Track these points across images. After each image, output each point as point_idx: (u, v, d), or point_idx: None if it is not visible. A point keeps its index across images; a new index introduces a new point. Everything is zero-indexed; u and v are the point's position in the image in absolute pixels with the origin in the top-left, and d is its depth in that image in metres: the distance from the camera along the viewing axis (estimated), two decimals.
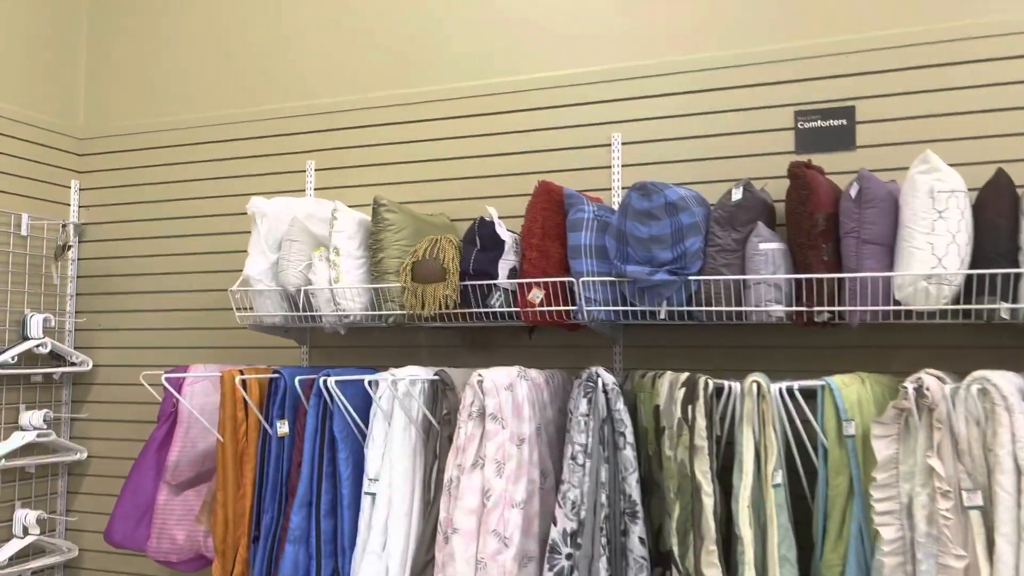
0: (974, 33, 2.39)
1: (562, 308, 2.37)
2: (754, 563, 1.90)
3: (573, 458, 2.07)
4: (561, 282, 2.37)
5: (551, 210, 2.40)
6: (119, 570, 3.39)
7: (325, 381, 2.34)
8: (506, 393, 2.16)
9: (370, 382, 2.32)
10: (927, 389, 1.84)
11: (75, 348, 3.51)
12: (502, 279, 2.44)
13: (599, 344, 2.73)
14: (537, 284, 2.38)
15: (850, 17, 2.52)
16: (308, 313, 2.68)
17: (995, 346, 2.32)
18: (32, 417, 3.21)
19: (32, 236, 3.37)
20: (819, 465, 2.01)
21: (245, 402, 2.53)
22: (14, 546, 3.16)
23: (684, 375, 2.08)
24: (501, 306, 2.45)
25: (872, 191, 2.05)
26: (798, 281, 2.18)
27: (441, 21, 3.04)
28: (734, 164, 2.61)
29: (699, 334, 2.62)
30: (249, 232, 3.25)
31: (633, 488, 2.06)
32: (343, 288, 2.58)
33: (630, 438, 2.09)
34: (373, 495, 2.26)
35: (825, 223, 2.12)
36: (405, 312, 2.53)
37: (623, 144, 2.74)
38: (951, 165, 2.11)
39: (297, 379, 2.46)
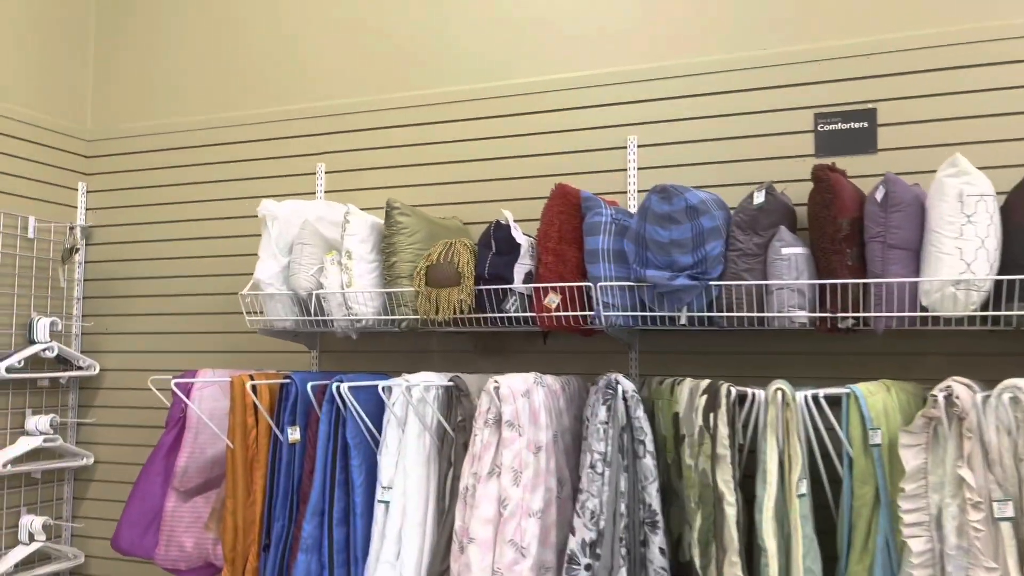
0: (999, 35, 2.35)
1: (579, 313, 2.32)
2: (778, 575, 1.86)
3: (592, 467, 2.03)
4: (578, 287, 2.33)
5: (568, 213, 2.36)
6: None
7: (339, 387, 2.30)
8: (523, 400, 2.12)
9: (384, 388, 2.28)
10: (957, 397, 1.80)
11: (82, 352, 3.48)
12: (518, 284, 2.40)
13: (614, 349, 2.69)
14: (554, 289, 2.34)
15: (871, 18, 2.48)
16: (320, 317, 2.64)
17: (1019, 353, 2.28)
18: (38, 422, 3.17)
19: (39, 239, 3.34)
20: (844, 475, 1.97)
21: (256, 408, 2.49)
22: (20, 552, 3.13)
23: (705, 382, 2.03)
24: (517, 311, 2.41)
25: (899, 195, 2.01)
26: (822, 286, 2.13)
27: (454, 22, 3.00)
28: (752, 167, 2.57)
29: (716, 340, 2.57)
30: (257, 235, 3.22)
31: (653, 497, 2.02)
32: (356, 292, 2.54)
33: (650, 446, 2.04)
34: (387, 503, 2.22)
35: (849, 227, 2.07)
36: (419, 317, 2.49)
37: (639, 147, 2.70)
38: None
39: (309, 385, 2.42)
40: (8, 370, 3.07)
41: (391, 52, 3.09)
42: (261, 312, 2.76)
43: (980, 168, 2.29)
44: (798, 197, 2.46)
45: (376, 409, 2.36)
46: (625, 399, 2.07)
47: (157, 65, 3.49)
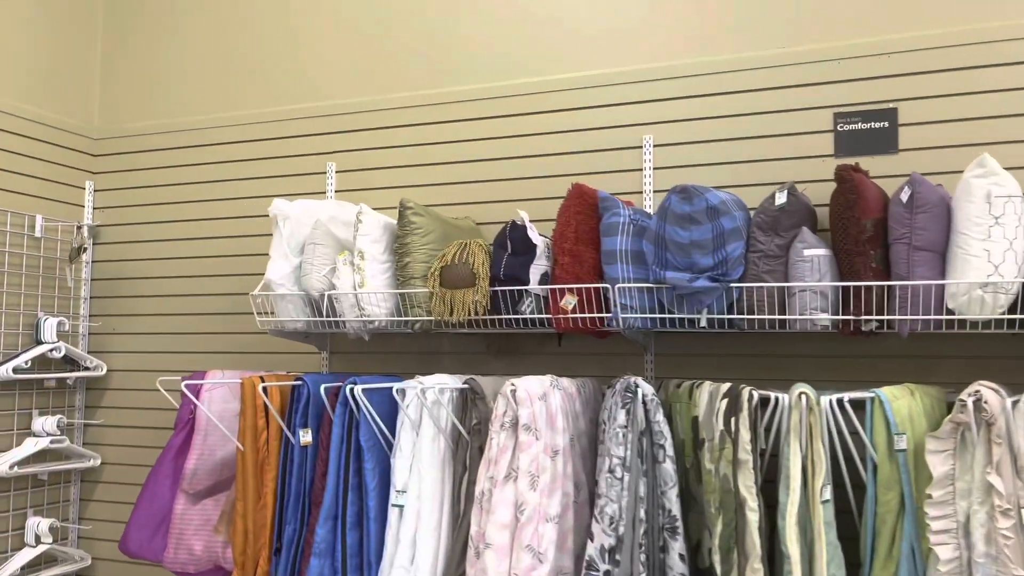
0: (1022, 34, 2.31)
1: (596, 315, 2.29)
2: None
3: (611, 471, 1.99)
4: (595, 288, 2.30)
5: (585, 214, 2.32)
6: None
7: (352, 389, 2.27)
8: (540, 403, 2.09)
9: (398, 390, 2.25)
10: (985, 402, 1.77)
11: (89, 352, 3.44)
12: (534, 285, 2.36)
13: (629, 352, 2.65)
14: (570, 290, 2.30)
15: (891, 16, 2.45)
16: (332, 319, 2.61)
17: None
18: (45, 423, 3.14)
19: (46, 238, 3.31)
20: (868, 480, 1.93)
21: (266, 410, 2.46)
22: (26, 555, 3.09)
23: (725, 385, 2.00)
24: (532, 312, 2.38)
25: (924, 196, 1.97)
26: (844, 289, 2.10)
27: (467, 19, 2.97)
28: (770, 167, 2.53)
29: (733, 342, 2.54)
30: (266, 235, 3.19)
31: (673, 503, 1.99)
32: (368, 293, 2.51)
33: (670, 451, 2.01)
34: (401, 507, 2.19)
35: (873, 229, 2.04)
36: (432, 318, 2.46)
37: (655, 146, 2.66)
38: None
39: (323, 387, 2.38)
40: (15, 370, 3.04)
41: (403, 50, 3.06)
42: (272, 313, 2.73)
43: (1007, 169, 2.26)
44: (817, 198, 2.43)
45: (389, 411, 2.33)
46: (645, 403, 2.03)
47: (165, 63, 3.46)
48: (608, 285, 2.27)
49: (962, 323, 2.06)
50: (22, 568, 3.12)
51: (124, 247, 3.45)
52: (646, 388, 2.04)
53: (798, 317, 2.11)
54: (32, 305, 3.25)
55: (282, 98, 3.24)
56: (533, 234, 2.39)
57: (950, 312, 2.00)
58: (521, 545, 1.99)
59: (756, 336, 2.51)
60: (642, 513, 1.98)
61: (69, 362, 3.29)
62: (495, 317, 2.42)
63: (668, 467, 2.00)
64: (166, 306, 3.34)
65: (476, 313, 2.39)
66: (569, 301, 2.30)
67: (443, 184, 2.93)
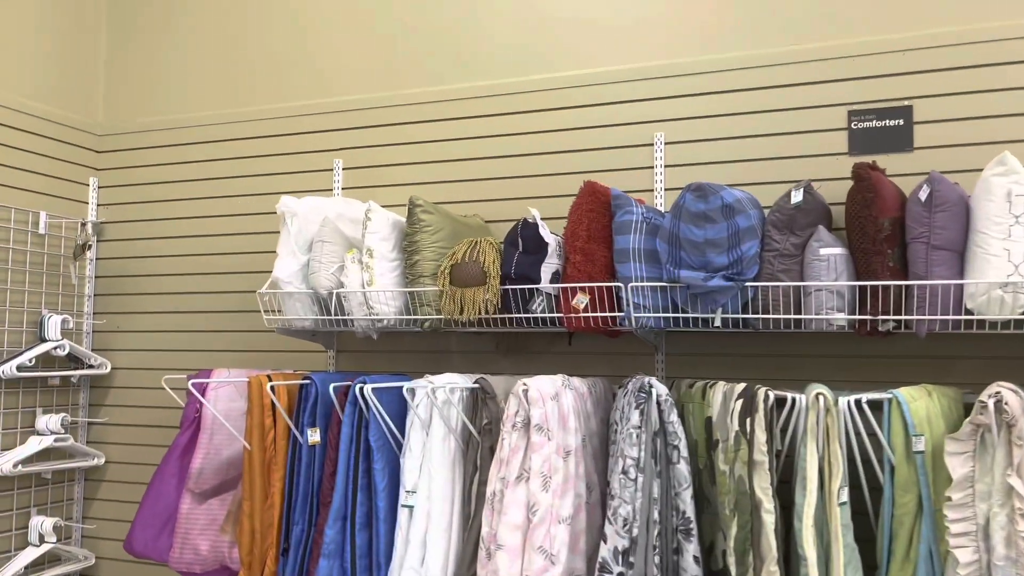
0: None
1: (608, 314, 2.26)
2: None
3: (624, 472, 1.97)
4: (607, 287, 2.27)
5: (597, 212, 2.30)
6: None
7: (362, 389, 2.24)
8: (552, 403, 2.06)
9: (408, 390, 2.22)
10: (1006, 404, 1.74)
11: (93, 350, 3.42)
12: (545, 283, 2.34)
13: (640, 351, 2.63)
14: (582, 289, 2.28)
15: (906, 13, 2.42)
16: (340, 317, 2.59)
17: None
18: (49, 421, 3.12)
19: (50, 235, 3.28)
20: (885, 482, 1.91)
21: (274, 408, 2.44)
22: (30, 554, 3.07)
23: (740, 386, 1.98)
24: (543, 311, 2.35)
25: (943, 194, 1.95)
26: (861, 288, 2.07)
27: (476, 16, 2.94)
28: (783, 165, 2.51)
29: (745, 342, 2.51)
30: (272, 232, 3.16)
31: (687, 504, 1.96)
32: (377, 291, 2.48)
33: (684, 452, 1.99)
34: (411, 508, 2.16)
35: (891, 227, 2.02)
36: (442, 317, 2.44)
37: (666, 144, 2.64)
38: None
39: (332, 386, 2.36)
40: (18, 368, 3.01)
41: (411, 46, 3.03)
42: (279, 311, 2.70)
43: None
44: (830, 196, 2.40)
45: (398, 411, 2.30)
46: (659, 403, 2.01)
47: (170, 59, 3.44)
48: (621, 284, 2.24)
49: (980, 323, 2.03)
50: (26, 567, 3.10)
51: (129, 244, 3.42)
52: (660, 388, 2.01)
53: (814, 317, 2.08)
54: (36, 302, 3.22)
55: (288, 94, 3.21)
56: (545, 232, 2.36)
57: (969, 312, 1.98)
58: (533, 546, 1.96)
59: (770, 336, 2.49)
60: (656, 515, 1.96)
61: (73, 360, 3.27)
62: (506, 316, 2.39)
63: (682, 468, 1.98)
64: (171, 304, 3.32)
65: (487, 312, 2.36)
66: (581, 300, 2.27)
67: (452, 181, 2.91)
